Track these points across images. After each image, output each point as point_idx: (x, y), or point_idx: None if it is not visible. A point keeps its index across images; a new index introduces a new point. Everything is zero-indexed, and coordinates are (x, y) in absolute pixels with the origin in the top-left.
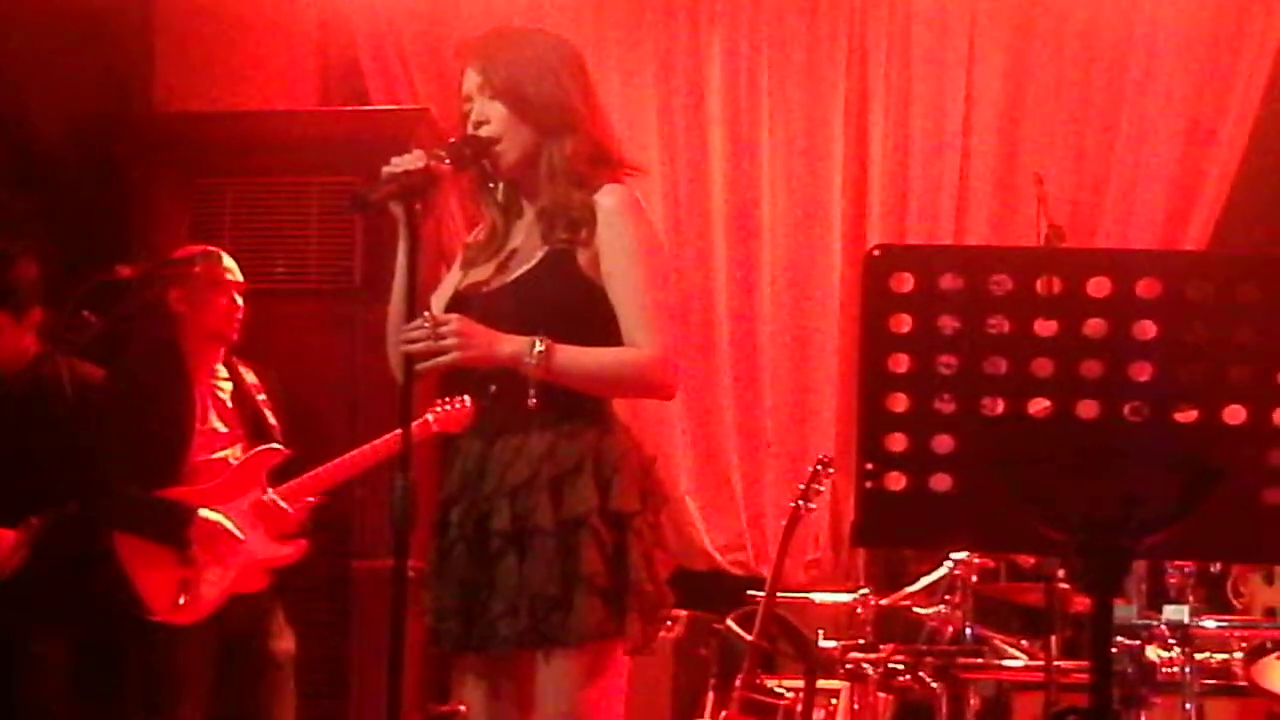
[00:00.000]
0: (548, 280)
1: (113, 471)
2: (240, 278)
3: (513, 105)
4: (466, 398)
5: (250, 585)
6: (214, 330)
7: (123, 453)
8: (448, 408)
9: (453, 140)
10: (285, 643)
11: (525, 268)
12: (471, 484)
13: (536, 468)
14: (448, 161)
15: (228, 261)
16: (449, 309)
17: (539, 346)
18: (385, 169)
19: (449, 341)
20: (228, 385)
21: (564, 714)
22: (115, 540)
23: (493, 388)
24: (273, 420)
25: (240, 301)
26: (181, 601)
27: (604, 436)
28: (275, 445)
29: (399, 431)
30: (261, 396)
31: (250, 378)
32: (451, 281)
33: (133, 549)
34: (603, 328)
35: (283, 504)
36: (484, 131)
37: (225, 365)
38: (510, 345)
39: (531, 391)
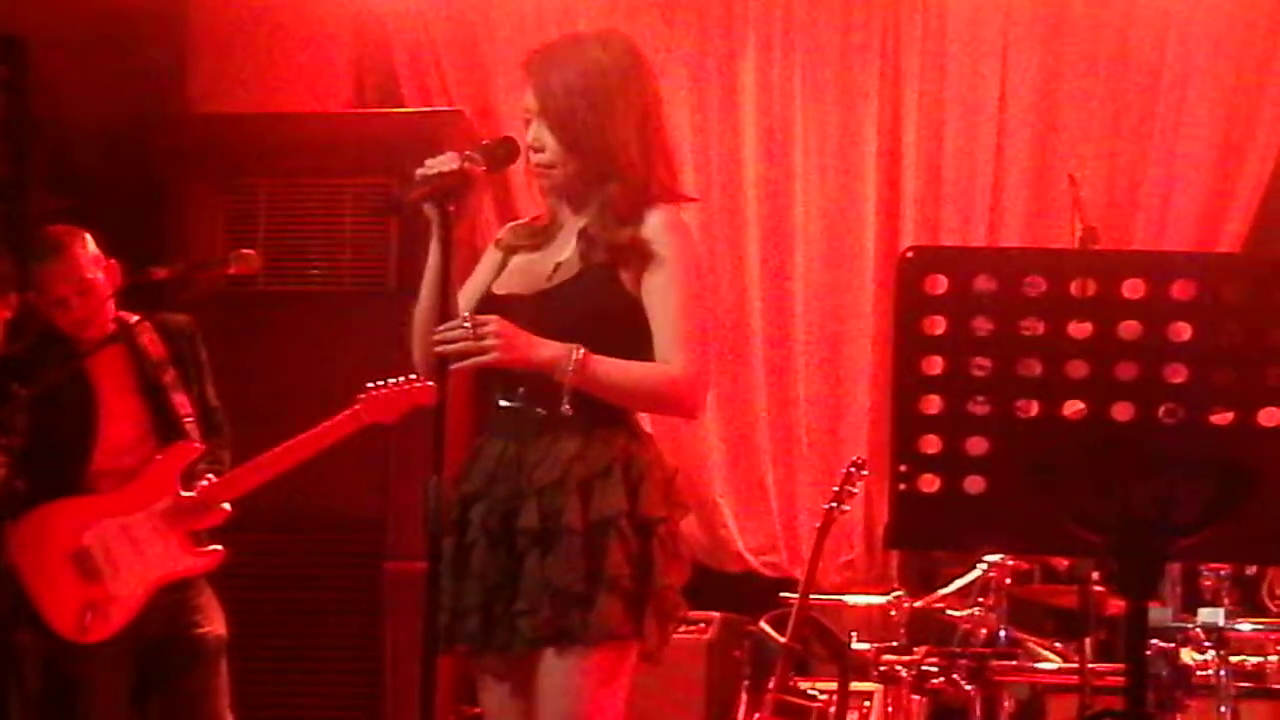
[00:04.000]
0: (587, 289)
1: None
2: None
3: (564, 140)
4: (400, 379)
5: (186, 573)
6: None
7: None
8: (379, 391)
9: (486, 142)
10: (212, 628)
11: (566, 276)
12: (496, 482)
13: (566, 468)
14: (481, 163)
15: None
16: (480, 308)
17: (576, 354)
18: (419, 171)
19: (489, 342)
20: (131, 370)
21: (571, 711)
22: (15, 558)
23: (521, 389)
24: (180, 405)
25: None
26: (88, 622)
27: (633, 443)
28: (186, 442)
29: (330, 421)
30: (167, 370)
31: (150, 346)
32: (488, 264)
33: (33, 567)
34: (638, 340)
35: (195, 502)
36: (538, 159)
37: (119, 345)
38: (549, 350)
39: (566, 398)
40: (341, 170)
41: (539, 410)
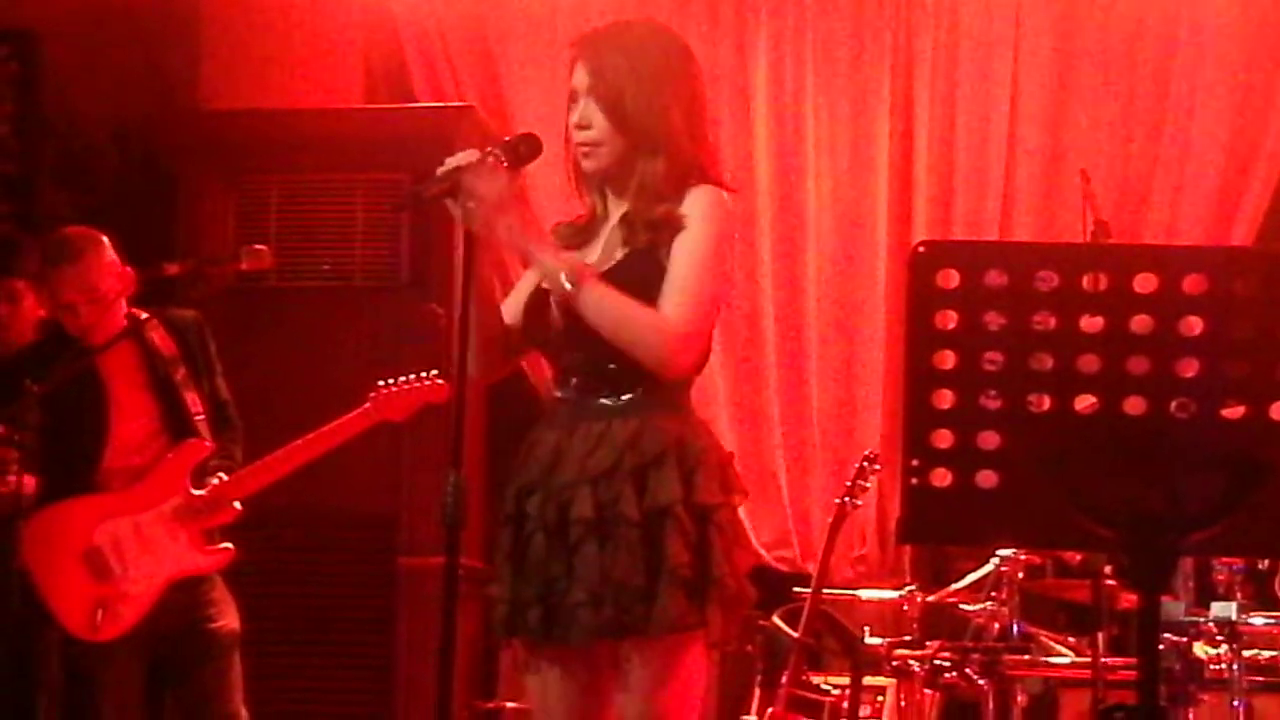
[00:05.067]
0: (628, 274)
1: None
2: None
3: (613, 117)
4: (411, 376)
5: (198, 570)
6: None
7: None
8: (389, 389)
9: (508, 138)
10: (226, 622)
11: (608, 264)
12: (551, 473)
13: (619, 456)
14: (503, 159)
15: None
16: (530, 303)
17: (574, 274)
18: (441, 167)
19: (465, 158)
20: (142, 367)
21: (646, 705)
22: (27, 557)
23: (574, 380)
24: (191, 404)
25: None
26: (99, 620)
27: (686, 428)
28: (197, 440)
29: (343, 418)
30: (177, 366)
31: (159, 341)
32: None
33: (44, 566)
34: None
35: (208, 500)
36: (583, 136)
37: (136, 341)
38: (544, 253)
39: (557, 311)
40: (353, 166)
41: (591, 400)
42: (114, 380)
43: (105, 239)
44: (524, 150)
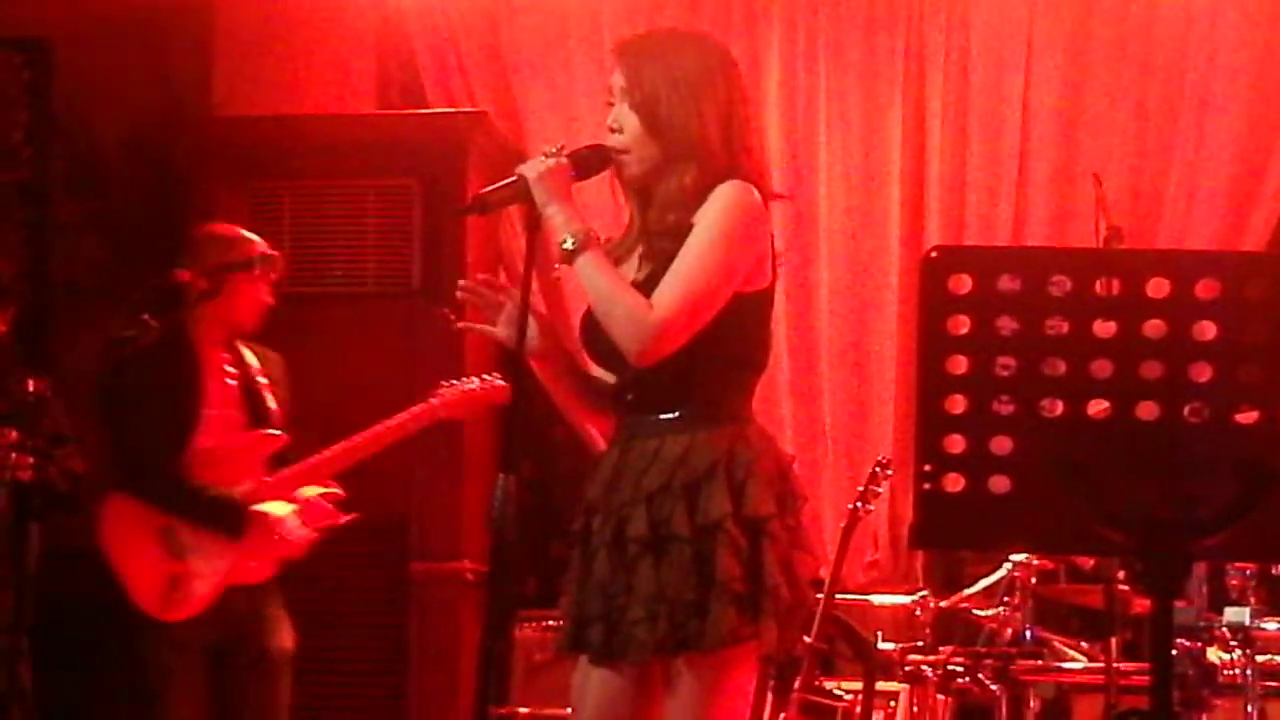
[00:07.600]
0: (651, 289)
1: (156, 456)
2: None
3: (646, 122)
4: (474, 379)
5: (249, 577)
6: (237, 321)
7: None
8: (452, 390)
9: (578, 148)
10: (283, 639)
11: (637, 280)
12: (611, 491)
13: (670, 474)
14: (570, 167)
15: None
16: (586, 320)
17: (579, 238)
18: (517, 169)
19: (535, 169)
20: (234, 369)
21: (694, 718)
22: (103, 535)
23: (629, 397)
24: (272, 404)
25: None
26: (171, 597)
27: (738, 441)
28: (272, 431)
29: (408, 413)
30: (263, 380)
31: (251, 359)
32: None
33: (121, 543)
34: (712, 333)
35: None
36: (614, 140)
37: (229, 349)
38: (560, 216)
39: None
40: (365, 171)
41: (647, 415)
42: (207, 369)
43: None
44: (593, 161)
